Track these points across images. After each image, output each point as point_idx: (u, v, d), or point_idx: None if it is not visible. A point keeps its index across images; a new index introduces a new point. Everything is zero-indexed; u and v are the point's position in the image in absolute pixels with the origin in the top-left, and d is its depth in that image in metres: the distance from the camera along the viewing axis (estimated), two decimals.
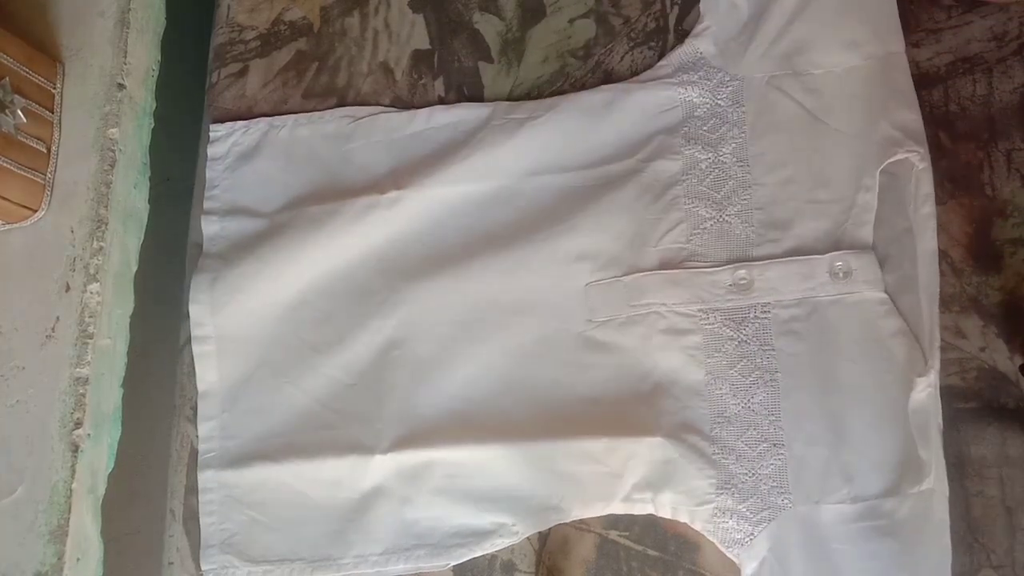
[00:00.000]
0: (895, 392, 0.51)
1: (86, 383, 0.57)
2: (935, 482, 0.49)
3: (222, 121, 0.66)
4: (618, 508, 0.54)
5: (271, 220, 0.62)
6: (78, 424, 0.56)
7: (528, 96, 0.63)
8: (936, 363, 0.50)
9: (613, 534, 0.55)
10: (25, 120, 0.57)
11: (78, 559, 0.55)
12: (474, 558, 0.55)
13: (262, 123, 0.64)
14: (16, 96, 0.56)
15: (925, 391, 0.50)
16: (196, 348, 0.61)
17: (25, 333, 0.58)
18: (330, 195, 0.61)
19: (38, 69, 0.60)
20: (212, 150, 0.65)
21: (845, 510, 0.50)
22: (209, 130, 0.65)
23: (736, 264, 0.55)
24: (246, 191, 0.63)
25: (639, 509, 0.54)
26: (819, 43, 0.56)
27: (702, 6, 0.59)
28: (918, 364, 0.50)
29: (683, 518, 0.53)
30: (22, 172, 0.57)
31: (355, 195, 0.60)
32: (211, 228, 0.63)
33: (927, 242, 0.52)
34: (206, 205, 0.64)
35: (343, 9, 0.67)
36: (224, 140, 0.64)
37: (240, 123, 0.65)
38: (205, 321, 0.61)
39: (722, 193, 0.56)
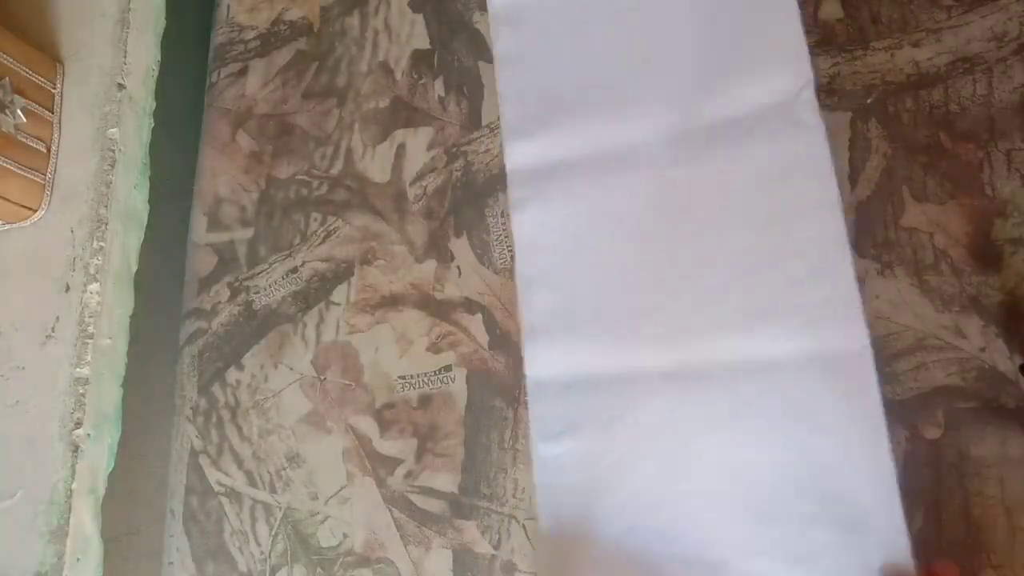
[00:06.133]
0: None
1: (86, 383, 0.57)
2: None
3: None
4: None
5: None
6: (78, 424, 0.56)
7: None
8: None
9: None
10: (25, 120, 0.57)
11: (78, 559, 0.55)
12: (474, 558, 0.55)
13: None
14: (16, 96, 0.56)
15: None
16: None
17: (25, 333, 0.58)
18: None
19: (38, 69, 0.60)
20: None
21: None
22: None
23: None
24: None
25: None
26: None
27: None
28: None
29: None
30: (22, 172, 0.57)
31: None
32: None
33: None
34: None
35: (343, 9, 0.67)
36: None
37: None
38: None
39: None
